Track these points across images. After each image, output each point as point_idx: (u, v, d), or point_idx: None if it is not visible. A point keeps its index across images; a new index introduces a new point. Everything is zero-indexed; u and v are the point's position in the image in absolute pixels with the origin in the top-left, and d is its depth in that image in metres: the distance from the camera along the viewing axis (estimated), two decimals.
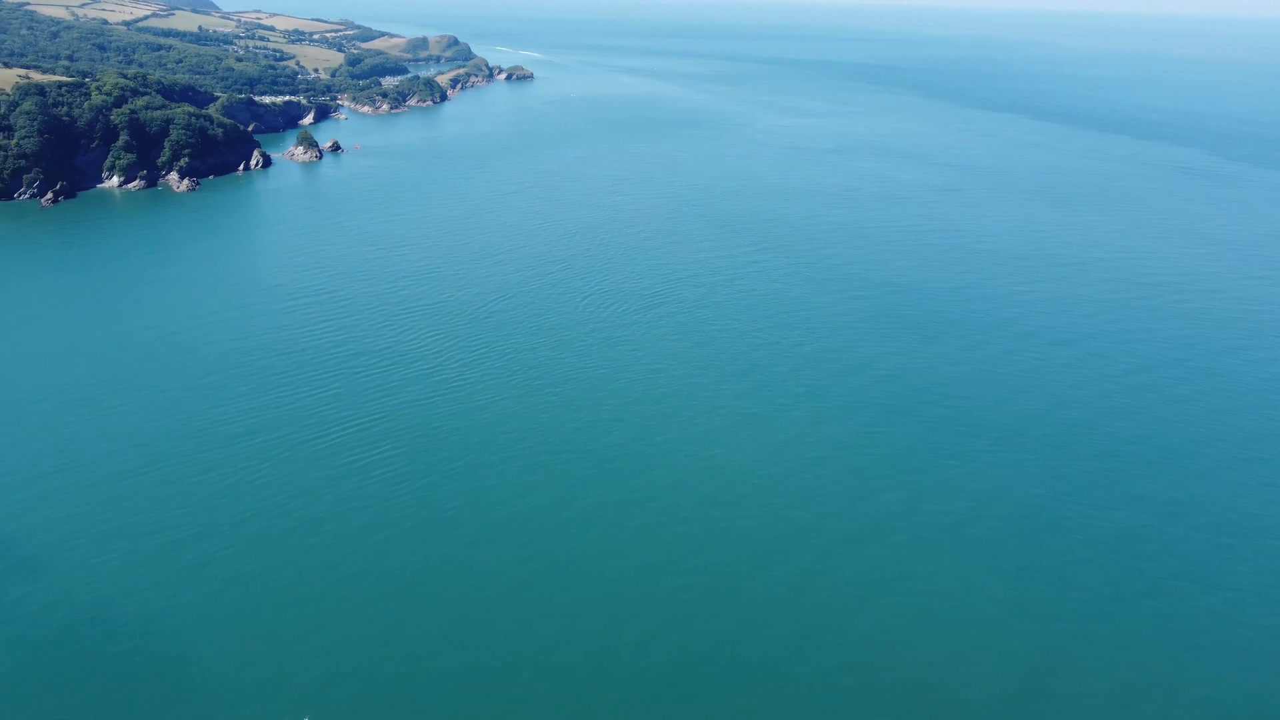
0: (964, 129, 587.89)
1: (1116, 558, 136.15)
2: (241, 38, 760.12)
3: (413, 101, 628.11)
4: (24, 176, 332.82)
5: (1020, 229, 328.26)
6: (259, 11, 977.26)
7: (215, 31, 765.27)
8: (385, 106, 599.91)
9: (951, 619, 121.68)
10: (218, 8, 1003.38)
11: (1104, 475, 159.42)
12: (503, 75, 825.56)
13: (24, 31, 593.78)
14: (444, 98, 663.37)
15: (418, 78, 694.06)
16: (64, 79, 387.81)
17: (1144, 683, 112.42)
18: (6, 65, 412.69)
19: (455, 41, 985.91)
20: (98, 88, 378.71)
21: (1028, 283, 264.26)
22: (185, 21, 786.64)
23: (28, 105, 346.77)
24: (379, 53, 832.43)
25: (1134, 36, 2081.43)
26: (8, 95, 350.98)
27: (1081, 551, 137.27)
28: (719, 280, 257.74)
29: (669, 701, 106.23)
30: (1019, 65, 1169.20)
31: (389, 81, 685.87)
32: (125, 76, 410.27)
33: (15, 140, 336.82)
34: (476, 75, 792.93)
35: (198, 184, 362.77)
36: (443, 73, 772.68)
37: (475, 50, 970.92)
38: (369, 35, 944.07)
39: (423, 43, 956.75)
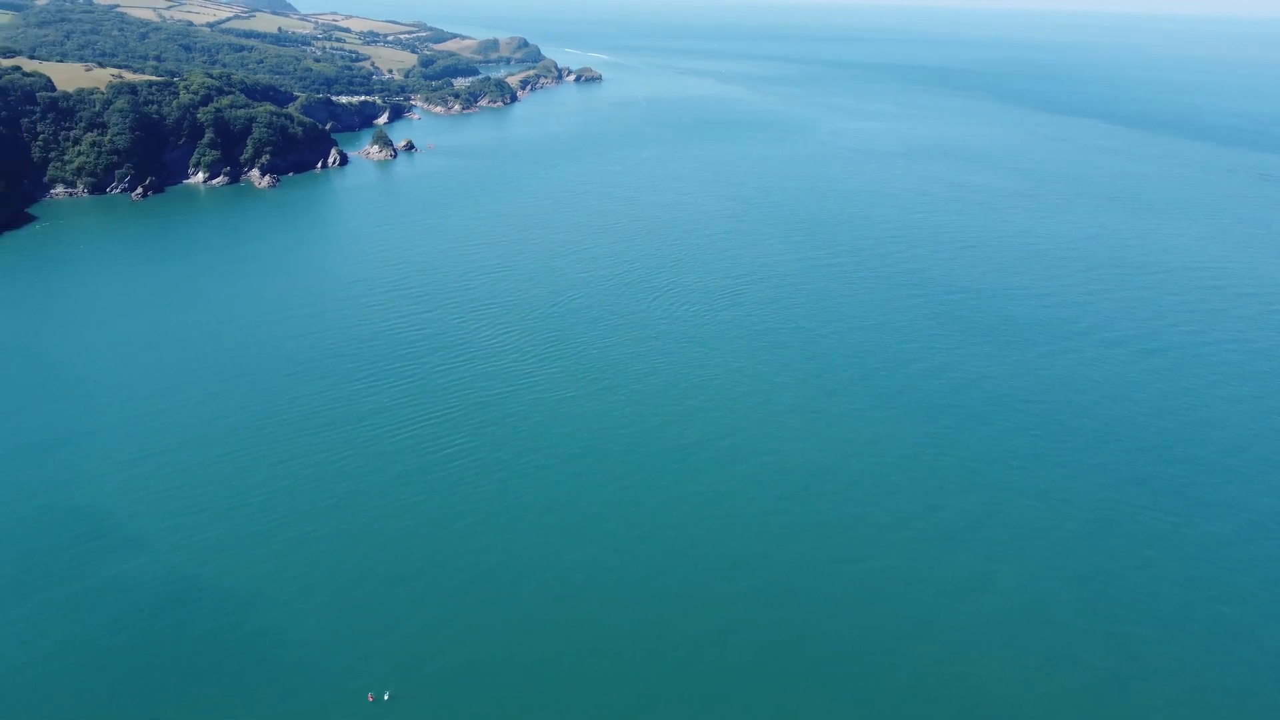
0: (1035, 133, 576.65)
1: (1199, 566, 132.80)
2: (319, 39, 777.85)
3: (484, 102, 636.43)
4: (116, 172, 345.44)
5: (1097, 235, 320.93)
6: (335, 13, 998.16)
7: (294, 33, 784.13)
8: (457, 107, 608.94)
9: (1028, 624, 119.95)
10: (295, 10, 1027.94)
11: (1190, 484, 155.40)
12: (571, 77, 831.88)
13: (115, 32, 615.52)
14: (514, 99, 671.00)
15: (488, 79, 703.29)
16: (154, 78, 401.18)
17: (1218, 689, 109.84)
18: (101, 65, 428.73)
19: (525, 43, 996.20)
20: (185, 87, 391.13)
21: (1109, 290, 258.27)
22: (265, 23, 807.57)
23: (121, 103, 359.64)
24: (451, 54, 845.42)
25: (1197, 39, 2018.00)
26: (103, 94, 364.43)
27: (1164, 559, 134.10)
28: (789, 281, 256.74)
29: (750, 693, 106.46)
30: (1090, 69, 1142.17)
31: (460, 82, 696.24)
32: (211, 76, 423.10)
33: (109, 137, 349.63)
34: (546, 77, 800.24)
35: (278, 180, 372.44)
36: (513, 74, 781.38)
37: (545, 52, 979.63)
38: (441, 37, 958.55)
39: (493, 44, 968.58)
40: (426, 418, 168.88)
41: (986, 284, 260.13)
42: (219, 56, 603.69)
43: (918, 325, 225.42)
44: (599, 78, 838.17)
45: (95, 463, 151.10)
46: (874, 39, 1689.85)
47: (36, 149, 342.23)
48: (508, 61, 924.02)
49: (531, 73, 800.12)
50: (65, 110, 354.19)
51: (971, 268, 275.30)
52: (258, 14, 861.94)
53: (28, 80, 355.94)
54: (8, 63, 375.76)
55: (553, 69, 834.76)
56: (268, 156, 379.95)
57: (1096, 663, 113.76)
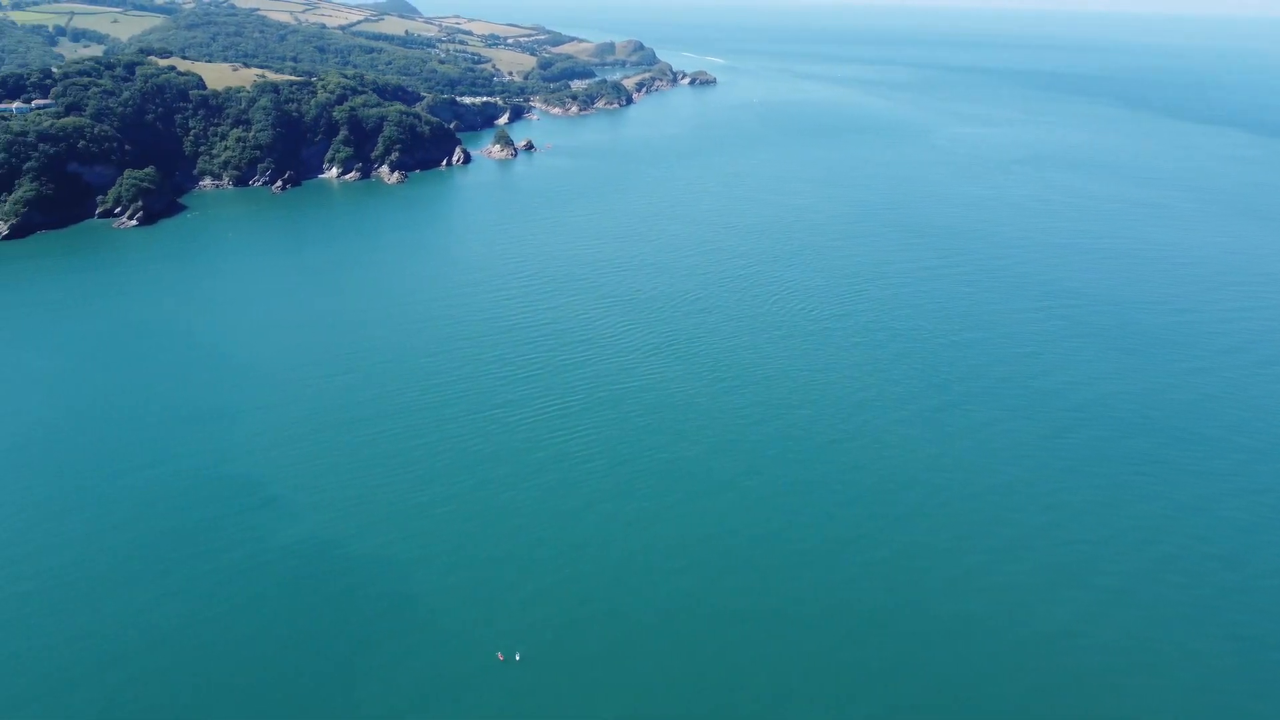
0: (1163, 140, 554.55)
1: None
2: (443, 41, 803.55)
3: (600, 104, 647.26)
4: (259, 166, 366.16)
5: (1234, 248, 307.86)
6: (458, 16, 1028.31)
7: (420, 35, 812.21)
8: (574, 108, 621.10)
9: (1165, 655, 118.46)
10: (420, 13, 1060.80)
11: None
12: (686, 80, 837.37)
13: (256, 34, 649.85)
14: (630, 101, 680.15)
15: (605, 81, 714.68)
16: (294, 78, 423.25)
17: None
18: (246, 65, 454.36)
19: (640, 46, 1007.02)
20: (323, 86, 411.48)
21: (1253, 307, 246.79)
22: (393, 26, 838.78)
23: (264, 102, 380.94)
24: (568, 57, 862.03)
25: None
26: (248, 92, 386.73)
27: None
28: (907, 286, 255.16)
29: (870, 670, 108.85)
30: (1222, 75, 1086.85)
31: (578, 84, 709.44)
32: (345, 76, 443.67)
33: (253, 133, 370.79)
34: (661, 79, 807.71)
35: (406, 177, 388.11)
36: (628, 76, 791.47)
37: (660, 55, 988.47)
38: (559, 40, 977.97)
39: (609, 47, 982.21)
40: (554, 408, 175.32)
41: (1116, 296, 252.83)
42: (350, 58, 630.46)
43: (1043, 337, 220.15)
44: (713, 81, 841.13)
45: (243, 435, 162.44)
46: (991, 43, 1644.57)
47: (188, 143, 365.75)
48: (623, 64, 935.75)
49: (646, 75, 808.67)
50: (214, 107, 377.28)
51: (1098, 278, 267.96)
52: (386, 17, 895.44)
53: (182, 79, 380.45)
54: (164, 63, 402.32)
55: (667, 72, 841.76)
56: (397, 154, 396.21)
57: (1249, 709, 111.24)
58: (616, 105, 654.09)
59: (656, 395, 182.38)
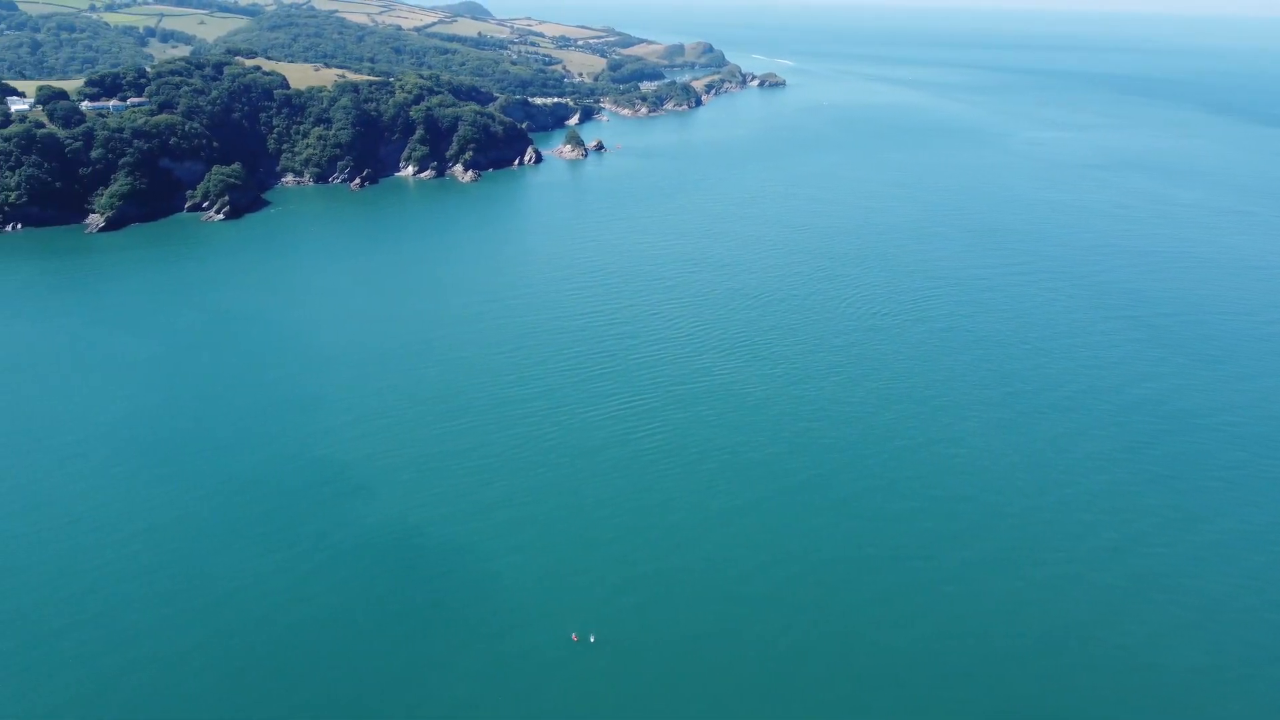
0: (1249, 147, 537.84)
1: None
2: (515, 43, 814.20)
3: (669, 105, 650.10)
4: (338, 163, 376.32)
5: None
6: (529, 19, 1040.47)
7: (492, 37, 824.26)
8: (644, 109, 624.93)
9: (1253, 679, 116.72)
10: (492, 15, 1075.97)
11: None
12: (755, 82, 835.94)
13: (335, 36, 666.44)
14: (699, 102, 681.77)
15: (674, 83, 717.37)
16: (373, 78, 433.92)
17: None
18: (326, 65, 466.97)
19: (710, 48, 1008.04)
20: (400, 86, 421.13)
21: None
22: (466, 28, 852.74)
23: (344, 101, 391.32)
24: (638, 58, 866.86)
25: None
26: (329, 92, 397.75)
27: None
28: (979, 291, 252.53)
29: (945, 675, 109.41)
30: None
31: (647, 86, 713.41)
32: (422, 77, 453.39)
33: (333, 131, 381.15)
34: (730, 81, 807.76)
35: (479, 176, 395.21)
36: (698, 78, 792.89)
37: (729, 57, 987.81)
38: (629, 42, 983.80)
39: (679, 49, 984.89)
40: (628, 405, 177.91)
41: (1200, 305, 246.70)
42: (425, 59, 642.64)
43: (1124, 347, 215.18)
44: (782, 83, 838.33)
45: (329, 422, 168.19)
46: (1065, 46, 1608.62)
47: (271, 141, 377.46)
48: (692, 66, 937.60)
49: (716, 77, 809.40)
50: (297, 106, 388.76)
51: (1182, 287, 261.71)
52: (459, 19, 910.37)
53: (266, 79, 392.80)
54: (250, 63, 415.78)
55: (736, 74, 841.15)
56: (471, 153, 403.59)
57: None
58: (685, 107, 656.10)
59: (730, 394, 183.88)
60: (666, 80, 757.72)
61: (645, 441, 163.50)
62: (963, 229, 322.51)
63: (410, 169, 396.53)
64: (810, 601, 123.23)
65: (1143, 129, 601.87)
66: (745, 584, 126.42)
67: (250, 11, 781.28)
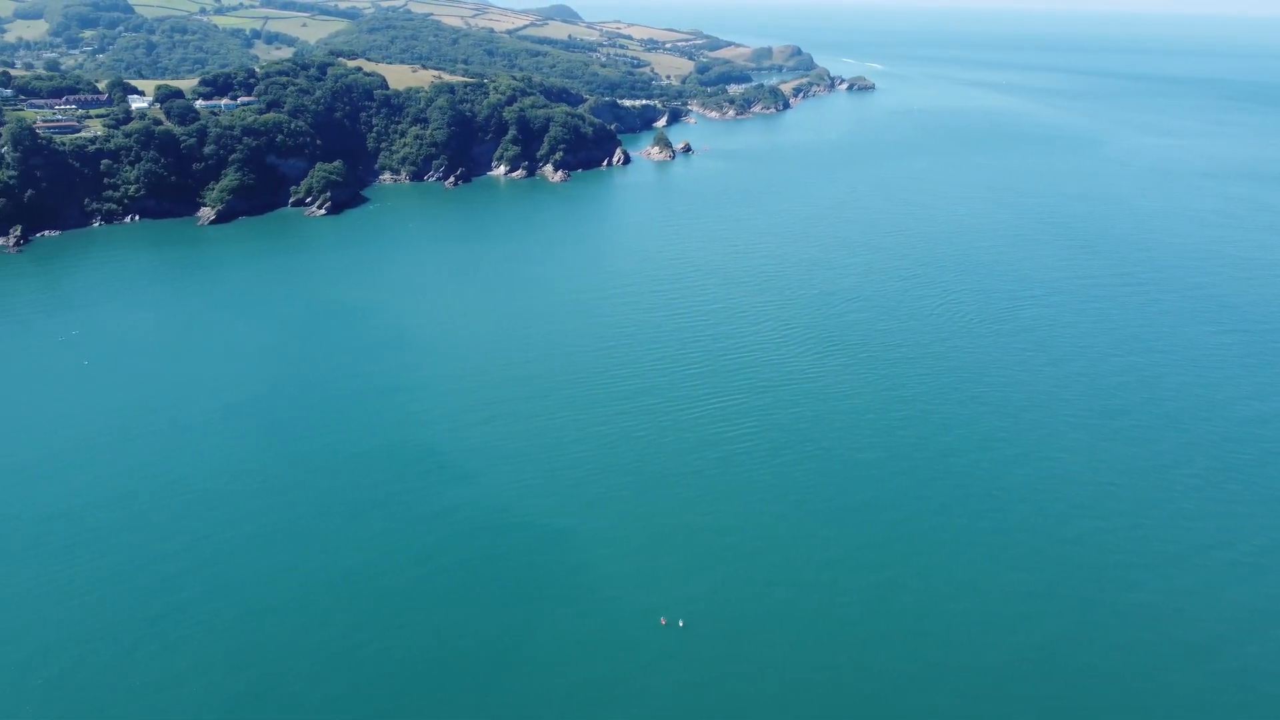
0: None
1: None
2: (604, 46, 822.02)
3: (757, 108, 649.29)
4: (434, 162, 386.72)
5: None
6: (618, 22, 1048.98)
7: (582, 40, 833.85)
8: (731, 112, 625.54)
9: None
10: (581, 18, 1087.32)
11: None
12: (844, 85, 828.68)
13: (431, 38, 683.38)
14: (786, 105, 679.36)
15: (762, 86, 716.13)
16: (468, 79, 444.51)
17: None
18: (424, 66, 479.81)
19: (798, 51, 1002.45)
20: (494, 87, 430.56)
21: None
22: (557, 30, 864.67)
23: (441, 101, 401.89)
24: (726, 61, 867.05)
25: None
26: (426, 93, 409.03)
27: None
28: (1073, 299, 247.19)
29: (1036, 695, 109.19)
30: None
31: (735, 89, 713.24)
32: (515, 78, 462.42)
33: (429, 131, 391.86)
34: (818, 85, 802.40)
35: (569, 176, 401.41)
36: (785, 81, 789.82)
37: (817, 60, 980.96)
38: (716, 44, 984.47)
39: (767, 52, 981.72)
40: (717, 402, 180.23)
41: None
42: (517, 61, 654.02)
43: (1229, 363, 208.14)
44: (872, 86, 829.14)
45: (426, 409, 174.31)
46: (1163, 50, 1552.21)
47: (371, 140, 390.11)
48: (780, 69, 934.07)
49: (804, 80, 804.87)
50: (395, 106, 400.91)
51: None
52: (550, 22, 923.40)
53: (367, 80, 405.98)
54: (351, 64, 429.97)
55: (825, 77, 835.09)
56: (561, 153, 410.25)
57: None
58: (773, 110, 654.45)
59: (820, 396, 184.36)
60: (754, 83, 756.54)
61: (736, 440, 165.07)
62: (1060, 237, 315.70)
63: (502, 168, 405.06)
64: (901, 608, 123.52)
65: (1253, 136, 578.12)
66: (838, 583, 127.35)
67: (350, 14, 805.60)
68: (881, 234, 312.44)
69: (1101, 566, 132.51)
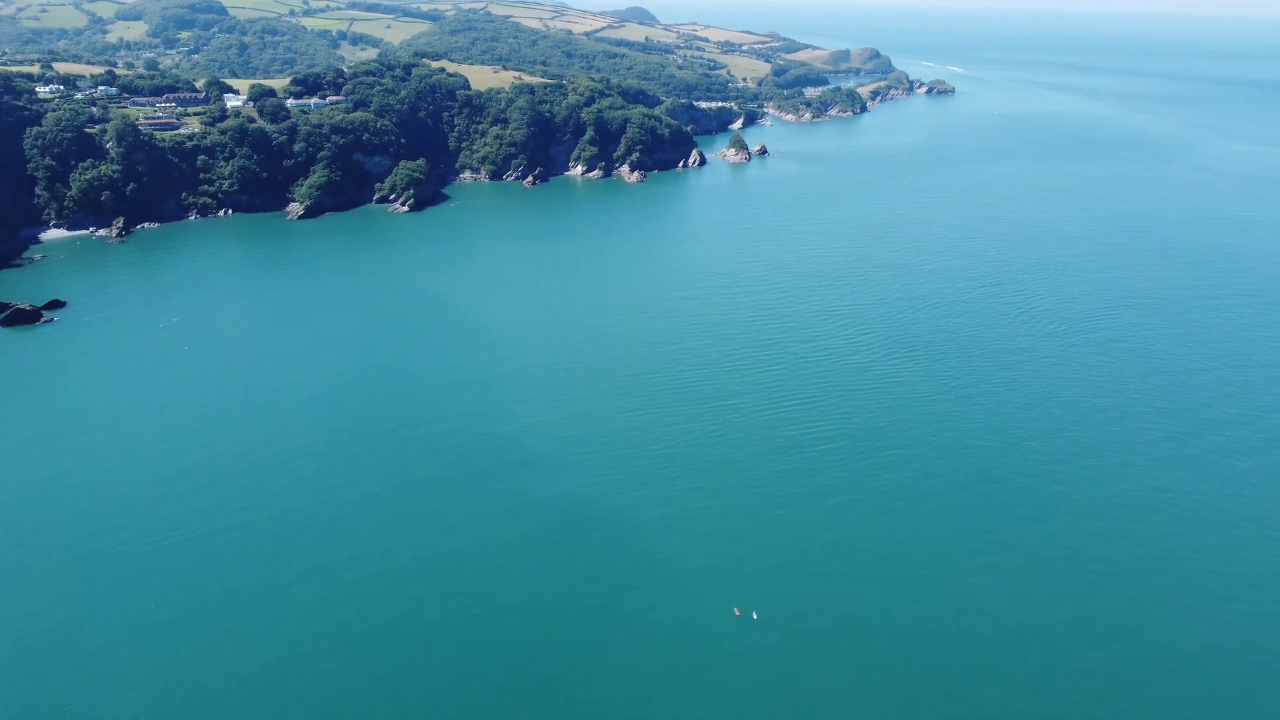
0: None
1: None
2: (680, 48, 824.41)
3: (834, 111, 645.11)
4: (513, 161, 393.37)
5: None
6: (695, 24, 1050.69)
7: (658, 42, 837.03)
8: (807, 115, 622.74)
9: None
10: (658, 20, 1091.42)
11: None
12: (923, 89, 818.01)
13: (511, 40, 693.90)
14: (864, 109, 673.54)
15: (839, 89, 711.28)
16: (547, 80, 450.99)
17: None
18: (504, 67, 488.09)
19: (876, 54, 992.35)
20: (573, 88, 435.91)
21: None
22: (634, 33, 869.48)
23: (521, 102, 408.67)
24: (802, 64, 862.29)
25: None
26: (507, 93, 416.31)
27: None
28: (1163, 310, 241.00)
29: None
30: None
31: (811, 91, 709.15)
32: (593, 80, 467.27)
33: (509, 130, 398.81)
34: (896, 88, 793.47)
35: (645, 176, 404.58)
36: (863, 85, 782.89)
37: (896, 64, 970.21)
38: (793, 47, 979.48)
39: (844, 55, 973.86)
40: (791, 400, 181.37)
41: None
42: (594, 62, 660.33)
43: None
44: (951, 90, 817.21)
45: (509, 400, 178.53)
46: (1256, 55, 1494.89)
47: (452, 139, 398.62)
48: (857, 72, 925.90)
49: (882, 84, 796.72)
50: (477, 106, 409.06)
51: None
52: (627, 24, 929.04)
53: (450, 80, 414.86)
54: (435, 64, 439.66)
55: (903, 80, 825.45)
56: (637, 154, 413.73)
57: None
58: (850, 113, 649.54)
59: (896, 398, 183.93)
60: (831, 86, 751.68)
61: (814, 443, 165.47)
62: (1148, 245, 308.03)
63: (579, 168, 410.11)
64: (989, 618, 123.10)
65: None
66: (915, 584, 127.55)
67: (432, 16, 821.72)
68: (961, 238, 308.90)
69: (1196, 579, 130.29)
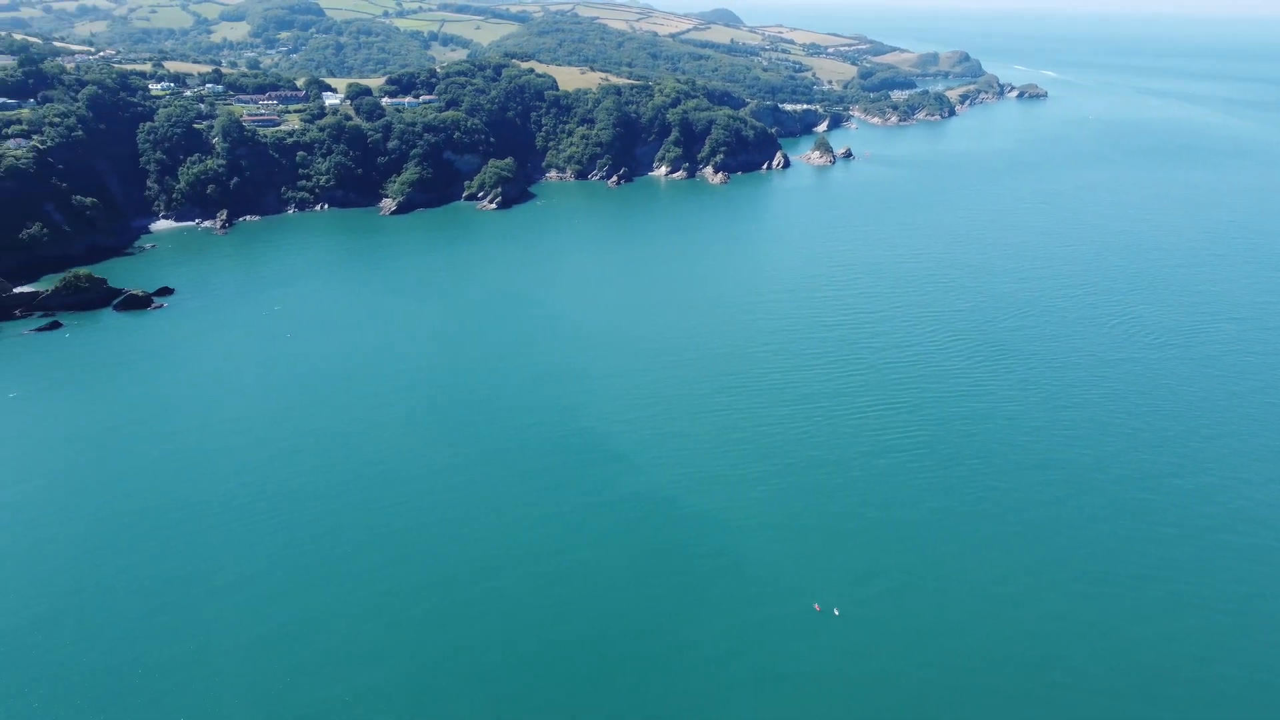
0: None
1: None
2: (765, 50, 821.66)
3: (921, 115, 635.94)
4: (598, 161, 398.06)
5: None
6: (780, 26, 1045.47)
7: (744, 44, 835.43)
8: (894, 118, 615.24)
9: None
10: (743, 22, 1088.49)
11: None
12: (1014, 93, 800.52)
13: (597, 41, 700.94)
14: (952, 113, 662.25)
15: (926, 92, 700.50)
16: (633, 82, 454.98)
17: None
18: (592, 68, 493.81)
19: (966, 58, 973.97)
20: (659, 90, 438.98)
21: None
22: (719, 34, 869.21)
23: (608, 103, 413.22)
24: (889, 67, 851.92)
25: None
26: (594, 94, 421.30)
27: None
28: (1271, 324, 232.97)
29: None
30: None
31: (898, 95, 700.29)
32: (679, 81, 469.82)
33: (596, 131, 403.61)
34: (986, 92, 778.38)
35: (728, 178, 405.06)
36: (951, 88, 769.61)
37: (986, 67, 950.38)
38: (880, 50, 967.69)
39: (933, 58, 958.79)
40: (877, 404, 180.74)
41: None
42: (679, 64, 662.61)
43: None
44: (1044, 95, 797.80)
45: (597, 397, 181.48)
46: None
47: (539, 139, 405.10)
48: (946, 76, 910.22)
49: (971, 87, 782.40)
50: (564, 107, 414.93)
51: None
52: (712, 26, 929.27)
53: (539, 80, 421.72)
54: (524, 65, 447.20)
55: (994, 84, 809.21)
56: (722, 155, 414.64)
57: None
58: (938, 117, 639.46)
59: (984, 404, 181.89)
60: (919, 89, 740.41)
61: (901, 450, 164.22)
62: (1253, 257, 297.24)
63: (663, 169, 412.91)
64: (1073, 618, 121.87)
65: None
66: (1003, 597, 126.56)
67: (520, 18, 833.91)
68: (1055, 243, 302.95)
69: None
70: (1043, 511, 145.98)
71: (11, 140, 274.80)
